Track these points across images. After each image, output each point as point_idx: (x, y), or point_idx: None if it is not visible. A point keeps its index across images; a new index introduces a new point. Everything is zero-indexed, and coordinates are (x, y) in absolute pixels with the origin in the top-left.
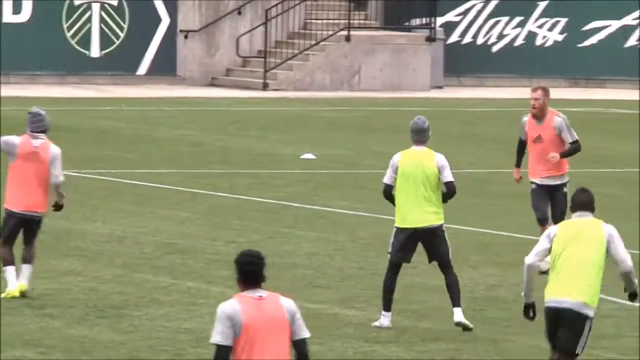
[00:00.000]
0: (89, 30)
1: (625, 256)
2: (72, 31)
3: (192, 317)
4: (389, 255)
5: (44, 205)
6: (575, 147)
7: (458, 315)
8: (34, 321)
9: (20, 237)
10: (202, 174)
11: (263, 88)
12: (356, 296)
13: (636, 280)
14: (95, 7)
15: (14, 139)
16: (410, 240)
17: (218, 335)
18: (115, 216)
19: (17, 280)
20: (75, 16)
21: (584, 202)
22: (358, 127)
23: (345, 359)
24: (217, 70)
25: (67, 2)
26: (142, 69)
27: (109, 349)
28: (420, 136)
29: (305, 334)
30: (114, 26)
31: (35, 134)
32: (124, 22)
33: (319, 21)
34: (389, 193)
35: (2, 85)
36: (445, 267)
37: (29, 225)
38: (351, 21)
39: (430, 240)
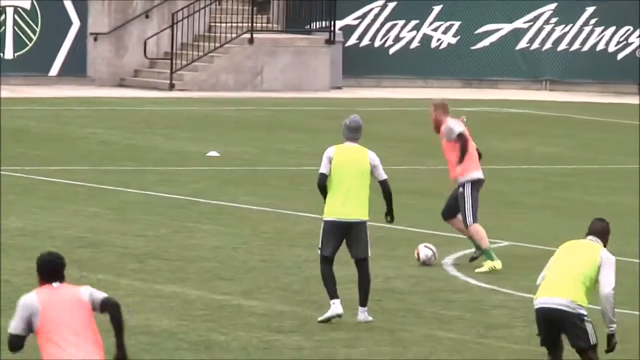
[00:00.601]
0: (3, 33)
1: (607, 281)
2: None
3: None
4: (319, 251)
5: None
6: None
7: (362, 315)
8: None
9: None
10: (111, 171)
11: (169, 88)
12: (259, 288)
13: (611, 313)
14: (9, 10)
15: None
16: (339, 233)
17: (13, 325)
18: (28, 211)
19: None
20: None
21: (597, 230)
22: (261, 126)
23: (249, 348)
24: (125, 72)
25: None
26: (54, 70)
27: None
28: (354, 133)
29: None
30: (26, 29)
31: None
32: (36, 26)
33: (223, 24)
34: (323, 183)
35: None
36: (362, 264)
37: None
38: (254, 24)
39: (356, 234)
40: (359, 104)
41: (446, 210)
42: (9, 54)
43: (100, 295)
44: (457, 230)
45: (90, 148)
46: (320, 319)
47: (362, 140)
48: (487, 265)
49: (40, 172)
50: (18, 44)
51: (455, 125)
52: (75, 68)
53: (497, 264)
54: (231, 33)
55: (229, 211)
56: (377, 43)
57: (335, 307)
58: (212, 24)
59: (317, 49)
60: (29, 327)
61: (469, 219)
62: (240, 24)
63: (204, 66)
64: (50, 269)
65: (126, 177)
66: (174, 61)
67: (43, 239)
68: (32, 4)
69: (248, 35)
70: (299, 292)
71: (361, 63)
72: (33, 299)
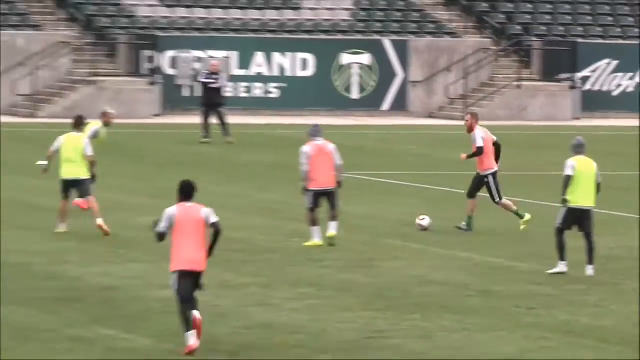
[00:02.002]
0: (351, 80)
1: None
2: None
3: None
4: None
5: None
6: None
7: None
8: None
9: None
10: (423, 175)
11: (463, 119)
12: None
13: None
14: (355, 66)
15: None
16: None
17: (161, 226)
18: (368, 202)
19: None
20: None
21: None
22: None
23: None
24: (433, 107)
25: (334, 62)
26: (385, 106)
27: None
28: (581, 148)
29: (214, 219)
30: (367, 78)
31: None
32: (376, 75)
33: (500, 75)
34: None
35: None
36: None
37: None
38: (521, 75)
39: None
40: (592, 129)
41: (470, 192)
42: (355, 95)
43: (214, 219)
44: (469, 209)
45: (408, 159)
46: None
47: (592, 155)
48: (523, 221)
49: (373, 175)
50: (361, 88)
51: (478, 137)
52: (400, 105)
53: (527, 216)
54: (505, 82)
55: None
56: (604, 88)
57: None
58: (492, 74)
59: (564, 92)
60: (169, 227)
61: (497, 197)
62: (511, 75)
63: (486, 104)
64: (186, 192)
65: (434, 179)
66: (466, 100)
67: (379, 220)
68: (372, 60)
69: (517, 83)
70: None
71: (594, 102)
72: (173, 210)
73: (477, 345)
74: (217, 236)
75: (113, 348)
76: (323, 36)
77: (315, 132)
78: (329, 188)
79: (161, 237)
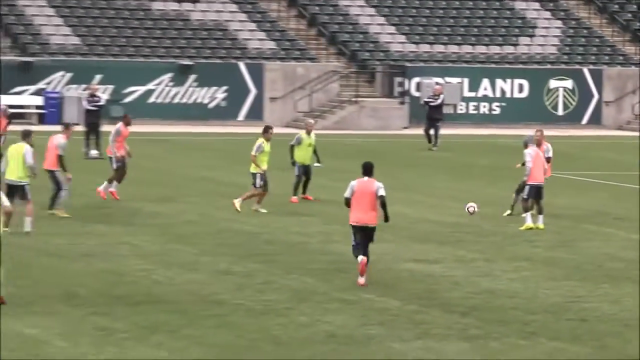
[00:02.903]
0: (558, 98)
1: None
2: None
3: None
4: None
5: None
6: None
7: None
8: None
9: None
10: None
11: None
12: None
13: None
14: (561, 90)
15: None
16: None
17: (345, 194)
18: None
19: None
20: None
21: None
22: None
23: None
24: (623, 121)
25: (544, 86)
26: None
27: None
28: (531, 140)
29: (382, 192)
30: (569, 98)
31: None
32: (575, 96)
33: None
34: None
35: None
36: None
37: None
38: None
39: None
40: None
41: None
42: (560, 112)
43: (382, 192)
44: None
45: (600, 162)
46: None
47: None
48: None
49: (573, 175)
50: (565, 106)
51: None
52: (595, 119)
53: None
54: None
55: None
56: None
57: None
58: None
59: None
60: (351, 194)
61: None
62: None
63: None
64: (366, 169)
65: (621, 178)
66: None
67: (577, 210)
68: (574, 84)
69: None
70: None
71: None
72: (353, 183)
73: None
74: (385, 206)
75: (371, 308)
76: (535, 66)
77: (530, 139)
78: (541, 184)
79: (347, 202)
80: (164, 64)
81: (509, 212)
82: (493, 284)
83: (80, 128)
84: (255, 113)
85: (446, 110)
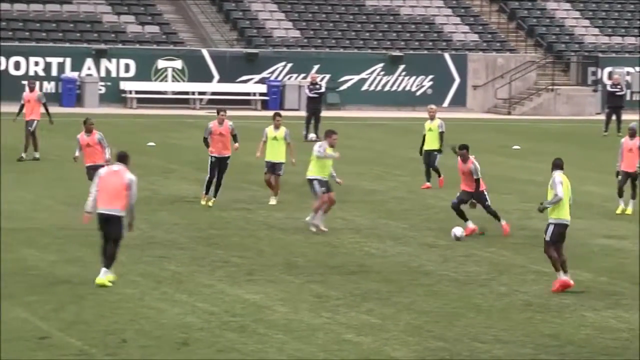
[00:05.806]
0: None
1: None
2: None
3: None
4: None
5: None
6: None
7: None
8: None
9: None
10: None
11: None
12: None
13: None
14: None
15: None
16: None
17: None
18: None
19: None
20: None
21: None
22: None
23: None
24: None
25: None
26: None
27: None
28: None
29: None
30: None
31: None
32: None
33: None
34: None
35: None
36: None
37: None
38: None
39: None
40: None
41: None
42: None
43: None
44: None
45: None
46: None
47: None
48: None
49: None
50: None
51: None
52: None
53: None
54: None
55: None
56: None
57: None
58: None
59: None
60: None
61: None
62: None
63: None
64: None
65: None
66: None
67: None
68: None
69: None
70: None
71: None
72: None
73: None
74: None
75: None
76: None
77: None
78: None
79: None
80: (376, 54)
81: None
82: None
83: (302, 113)
84: (459, 100)
85: (636, 97)
